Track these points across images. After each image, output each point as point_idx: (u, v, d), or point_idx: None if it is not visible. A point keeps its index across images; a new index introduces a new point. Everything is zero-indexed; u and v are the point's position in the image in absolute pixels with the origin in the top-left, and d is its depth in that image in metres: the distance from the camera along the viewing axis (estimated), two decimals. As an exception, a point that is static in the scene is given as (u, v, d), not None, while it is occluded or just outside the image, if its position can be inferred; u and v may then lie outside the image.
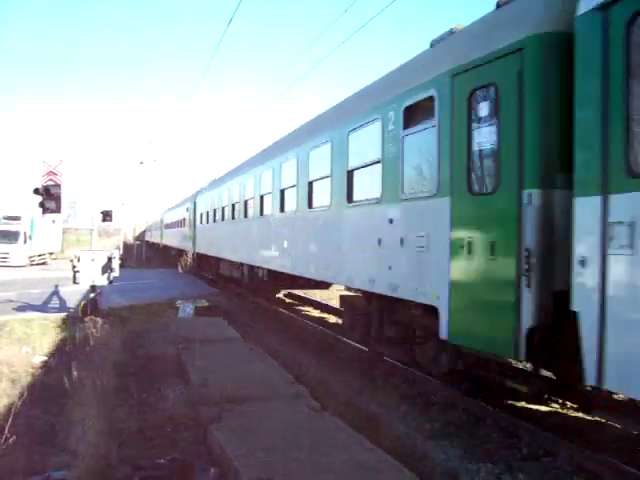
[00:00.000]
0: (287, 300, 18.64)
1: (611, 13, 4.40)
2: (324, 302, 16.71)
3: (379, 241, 7.86)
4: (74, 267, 12.82)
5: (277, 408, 5.94)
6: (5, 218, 35.04)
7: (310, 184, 10.70)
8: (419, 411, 6.89)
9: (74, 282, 12.99)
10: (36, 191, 14.12)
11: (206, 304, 15.18)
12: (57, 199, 14.22)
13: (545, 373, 6.12)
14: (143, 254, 45.61)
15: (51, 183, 14.10)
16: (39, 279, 22.89)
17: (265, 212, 14.19)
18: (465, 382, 7.23)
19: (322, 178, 10.07)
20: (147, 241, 52.90)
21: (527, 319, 5.18)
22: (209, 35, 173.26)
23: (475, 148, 6.00)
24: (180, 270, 30.45)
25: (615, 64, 4.35)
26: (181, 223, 32.34)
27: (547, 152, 5.25)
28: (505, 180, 5.54)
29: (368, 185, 8.36)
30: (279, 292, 18.35)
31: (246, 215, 16.23)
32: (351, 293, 11.28)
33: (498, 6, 6.26)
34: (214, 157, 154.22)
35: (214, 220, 21.76)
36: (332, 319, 14.59)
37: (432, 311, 6.54)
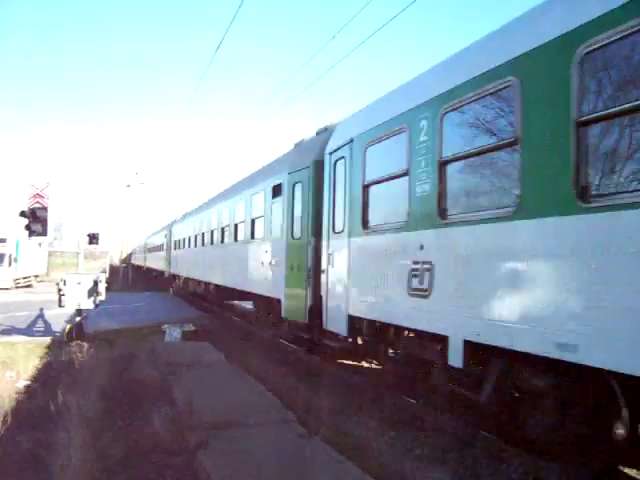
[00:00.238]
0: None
1: (331, 157, 9.35)
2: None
3: (262, 263, 12.79)
4: (60, 290, 12.73)
5: (263, 433, 5.91)
6: (-10, 240, 34.71)
7: (236, 225, 15.92)
8: (408, 435, 6.87)
9: (60, 305, 12.88)
10: (22, 214, 14.06)
11: (193, 328, 15.04)
12: (43, 222, 14.14)
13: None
14: (129, 277, 45.29)
15: (38, 206, 14.05)
16: (24, 302, 22.67)
17: (208, 243, 20.08)
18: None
19: (241, 222, 15.39)
20: (133, 264, 52.59)
21: (308, 302, 10.05)
22: (199, 58, 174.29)
23: (295, 214, 10.92)
24: (169, 293, 30.39)
25: (331, 179, 9.34)
26: (161, 247, 36.47)
27: (315, 219, 10.06)
28: (303, 232, 10.51)
29: (259, 229, 13.48)
30: (223, 301, 21.49)
31: (203, 244, 21.19)
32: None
33: (317, 133, 11.33)
34: (204, 178, 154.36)
35: (183, 247, 26.53)
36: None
37: (279, 302, 11.43)
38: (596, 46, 4.34)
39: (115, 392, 8.20)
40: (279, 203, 11.65)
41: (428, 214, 6.39)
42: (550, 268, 4.70)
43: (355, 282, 8.30)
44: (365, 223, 8.00)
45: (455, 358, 5.81)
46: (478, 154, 5.72)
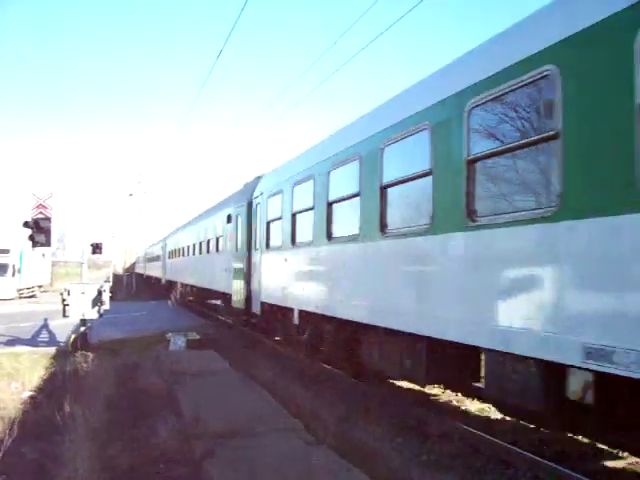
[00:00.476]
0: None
1: (254, 200, 14.20)
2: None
3: (222, 269, 17.55)
4: (64, 300, 12.73)
5: (270, 442, 5.88)
6: (-6, 251, 34.76)
7: (208, 241, 20.93)
8: (415, 441, 6.84)
9: (64, 315, 12.89)
10: (26, 224, 14.08)
11: (197, 337, 15.00)
12: (47, 232, 14.16)
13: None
14: (133, 286, 45.30)
15: (41, 216, 14.07)
16: (28, 312, 22.69)
17: (191, 254, 25.11)
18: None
19: (209, 239, 20.79)
20: (136, 272, 52.65)
21: (245, 294, 14.46)
22: (200, 64, 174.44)
23: (238, 235, 15.55)
24: (171, 303, 30.35)
25: (255, 215, 14.12)
26: (158, 257, 41.18)
27: (247, 240, 14.57)
28: (242, 248, 14.99)
29: (220, 244, 18.58)
30: (203, 300, 24.79)
31: (188, 254, 26.21)
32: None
33: (257, 178, 15.26)
34: (206, 185, 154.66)
35: (174, 256, 31.63)
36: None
37: (230, 295, 16.26)
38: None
39: (120, 402, 8.19)
40: (230, 227, 16.62)
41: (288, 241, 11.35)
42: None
43: (264, 280, 13.03)
44: (267, 244, 12.83)
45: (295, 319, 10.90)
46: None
